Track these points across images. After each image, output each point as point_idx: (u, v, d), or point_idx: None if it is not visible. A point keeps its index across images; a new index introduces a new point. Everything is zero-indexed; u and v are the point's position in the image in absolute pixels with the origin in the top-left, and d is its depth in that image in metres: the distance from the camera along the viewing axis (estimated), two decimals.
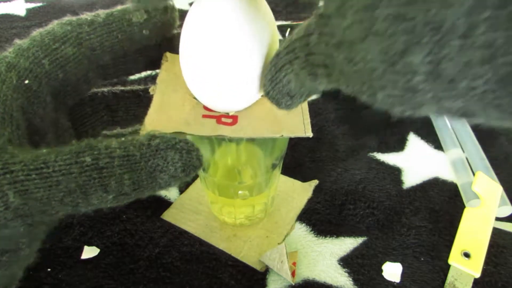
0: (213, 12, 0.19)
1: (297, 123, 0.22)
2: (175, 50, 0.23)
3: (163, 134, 0.17)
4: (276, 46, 0.21)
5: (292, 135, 0.21)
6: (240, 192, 0.28)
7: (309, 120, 0.22)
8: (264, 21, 0.20)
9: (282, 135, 0.21)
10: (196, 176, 0.36)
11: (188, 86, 0.22)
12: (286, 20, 0.61)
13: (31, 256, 0.17)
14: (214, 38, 0.19)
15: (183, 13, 0.19)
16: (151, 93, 0.23)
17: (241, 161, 0.28)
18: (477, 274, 0.28)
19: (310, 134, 0.21)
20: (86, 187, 0.15)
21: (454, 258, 0.28)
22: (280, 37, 0.56)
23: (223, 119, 0.22)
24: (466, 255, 0.28)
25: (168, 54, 0.26)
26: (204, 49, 0.19)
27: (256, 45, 0.20)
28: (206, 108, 0.23)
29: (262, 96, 0.24)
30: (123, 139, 0.16)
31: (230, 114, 0.22)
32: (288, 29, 0.56)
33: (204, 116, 0.22)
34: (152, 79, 0.49)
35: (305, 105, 0.23)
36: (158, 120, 0.21)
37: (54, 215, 0.15)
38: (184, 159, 0.17)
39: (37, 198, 0.14)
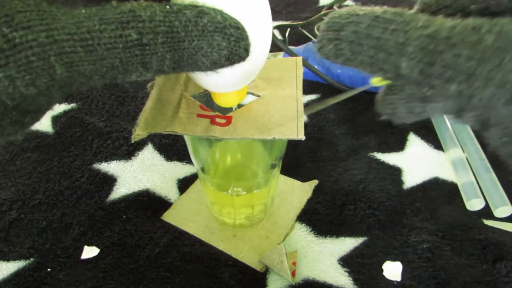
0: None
1: (291, 125, 0.21)
2: None
3: (212, 11, 0.15)
4: (269, 34, 0.20)
5: (284, 138, 0.21)
6: (235, 188, 0.28)
7: (303, 123, 0.21)
8: (257, 10, 0.20)
9: (274, 138, 0.21)
10: (196, 177, 0.36)
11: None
12: (286, 20, 0.61)
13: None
14: None
15: None
16: (149, 89, 0.23)
17: (240, 161, 0.28)
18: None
19: (302, 137, 0.21)
20: (128, 64, 0.15)
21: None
22: (280, 37, 0.55)
23: (217, 120, 0.22)
24: None
25: None
26: None
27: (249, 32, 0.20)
28: (202, 107, 0.23)
29: (260, 96, 0.24)
30: (167, 7, 0.15)
31: (228, 113, 0.22)
32: (288, 29, 0.56)
33: (199, 115, 0.22)
34: None
35: (300, 107, 0.22)
36: (153, 118, 0.21)
37: (91, 85, 0.16)
38: (231, 47, 0.15)
39: (81, 71, 0.15)
